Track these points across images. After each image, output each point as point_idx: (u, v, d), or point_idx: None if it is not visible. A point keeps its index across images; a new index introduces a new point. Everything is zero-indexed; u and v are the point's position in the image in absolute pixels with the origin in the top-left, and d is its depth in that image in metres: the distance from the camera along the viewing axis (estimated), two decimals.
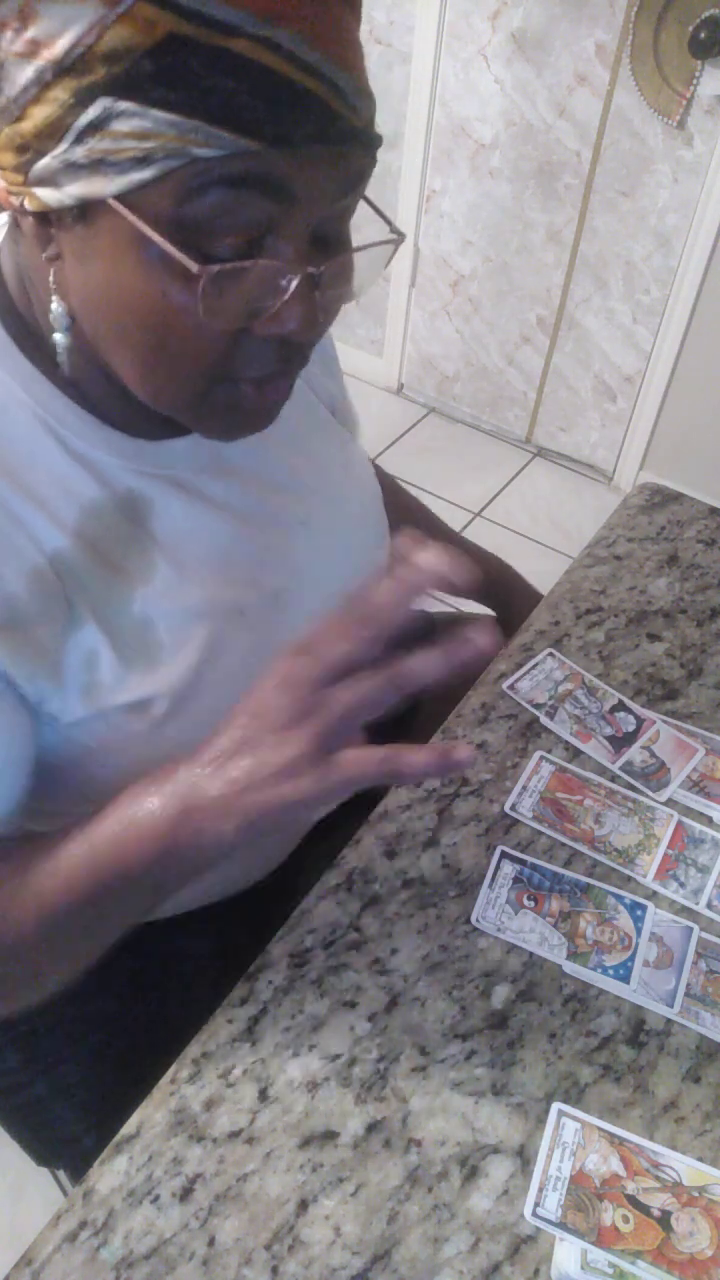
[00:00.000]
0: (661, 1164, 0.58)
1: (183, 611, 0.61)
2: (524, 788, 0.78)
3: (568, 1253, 0.54)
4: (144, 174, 0.44)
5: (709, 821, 0.78)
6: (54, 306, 0.51)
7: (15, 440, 0.55)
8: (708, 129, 2.01)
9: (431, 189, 2.46)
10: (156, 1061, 0.62)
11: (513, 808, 0.76)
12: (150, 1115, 0.59)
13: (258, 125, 0.43)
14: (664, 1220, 0.55)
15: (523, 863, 0.73)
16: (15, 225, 0.52)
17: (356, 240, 0.53)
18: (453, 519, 2.40)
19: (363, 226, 0.53)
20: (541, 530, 2.45)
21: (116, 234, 0.46)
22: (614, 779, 0.80)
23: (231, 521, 0.64)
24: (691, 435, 2.38)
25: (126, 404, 0.57)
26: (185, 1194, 0.56)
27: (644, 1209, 0.55)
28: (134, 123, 0.43)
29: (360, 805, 0.79)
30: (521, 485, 2.59)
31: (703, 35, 1.88)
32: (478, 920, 0.69)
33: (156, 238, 0.45)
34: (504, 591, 1.04)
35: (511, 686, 0.86)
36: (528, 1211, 0.56)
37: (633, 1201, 0.56)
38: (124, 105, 0.43)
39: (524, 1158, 0.59)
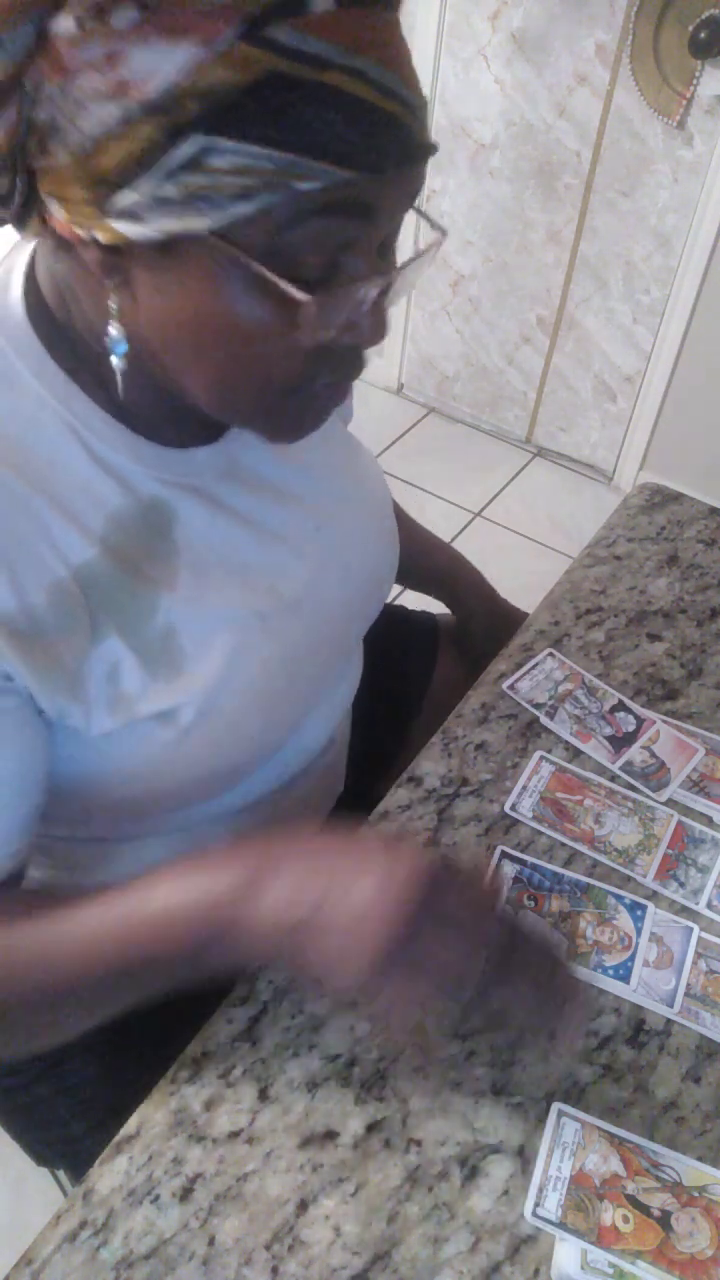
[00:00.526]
0: (661, 1164, 0.58)
1: (206, 619, 0.61)
2: (524, 788, 0.78)
3: (568, 1253, 0.54)
4: (243, 209, 0.45)
5: (709, 821, 0.78)
6: (112, 331, 0.51)
7: (44, 447, 0.55)
8: (708, 129, 2.01)
9: (431, 189, 2.46)
10: (157, 1061, 0.62)
11: (513, 808, 0.76)
12: (150, 1115, 0.59)
13: (352, 154, 0.45)
14: (664, 1220, 0.55)
15: (523, 863, 0.73)
16: (62, 246, 0.51)
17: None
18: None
19: None
20: (541, 530, 2.45)
21: (206, 264, 0.47)
22: (614, 779, 0.80)
23: (250, 530, 0.65)
24: (691, 435, 2.38)
25: (156, 411, 0.57)
26: (185, 1194, 0.56)
27: (644, 1209, 0.55)
28: (232, 159, 0.43)
29: (360, 805, 0.79)
30: (521, 485, 2.59)
31: (703, 35, 1.88)
32: None
33: (261, 270, 0.46)
34: (451, 581, 1.07)
35: (511, 686, 0.86)
36: (528, 1211, 0.56)
37: (633, 1201, 0.56)
38: (222, 142, 0.43)
39: (524, 1158, 0.59)
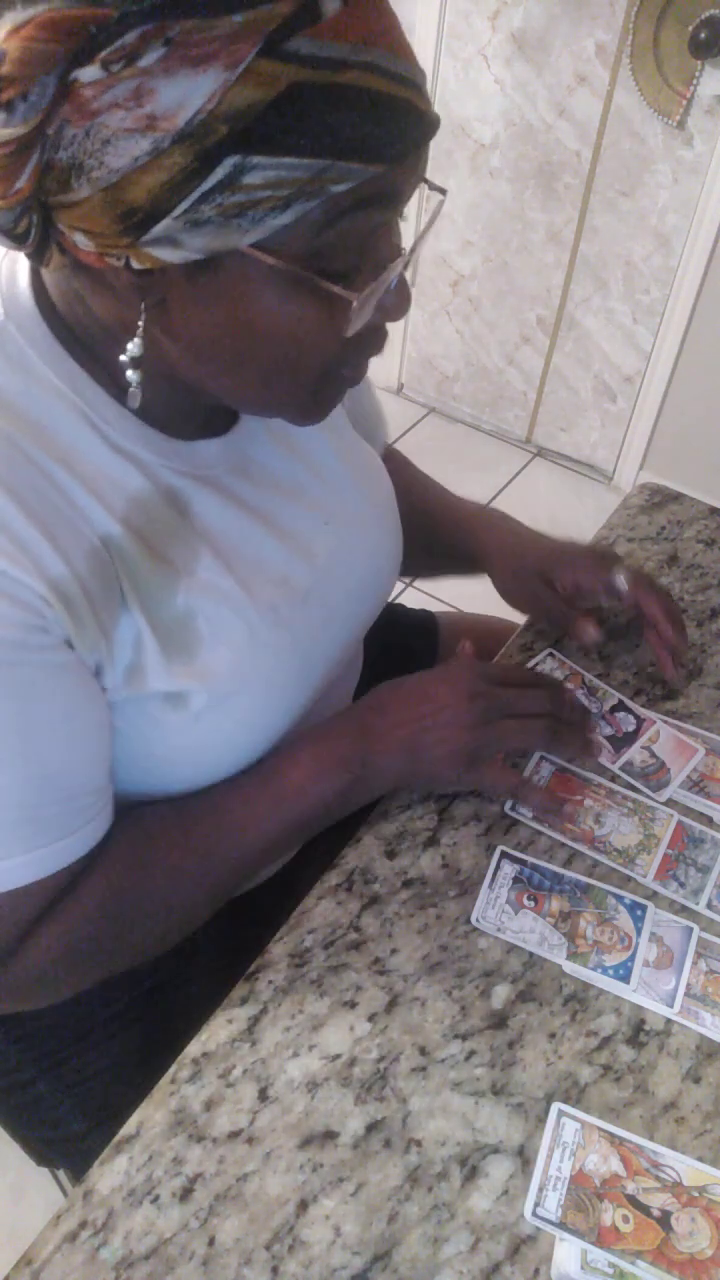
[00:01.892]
0: (661, 1164, 0.58)
1: (223, 606, 0.62)
2: None
3: (568, 1253, 0.54)
4: (281, 219, 0.46)
5: (709, 821, 0.78)
6: (131, 348, 0.52)
7: (63, 430, 0.56)
8: (708, 129, 2.01)
9: None
10: (158, 1061, 0.62)
11: (513, 808, 0.76)
12: (150, 1115, 0.59)
13: (378, 149, 0.46)
14: (664, 1220, 0.55)
15: (523, 863, 0.73)
16: (80, 268, 0.52)
17: None
18: None
19: None
20: (541, 530, 2.44)
21: (247, 275, 0.48)
22: (614, 779, 0.80)
23: (261, 523, 0.66)
24: (691, 435, 2.38)
25: (168, 405, 0.58)
26: (185, 1194, 0.56)
27: (644, 1209, 0.55)
28: (266, 174, 0.44)
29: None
30: (521, 485, 2.59)
31: (703, 35, 1.88)
32: (478, 920, 0.69)
33: (307, 274, 0.48)
34: (481, 558, 0.96)
35: None
36: (528, 1211, 0.56)
37: (633, 1201, 0.56)
38: (254, 159, 0.44)
39: (524, 1158, 0.59)
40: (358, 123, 0.44)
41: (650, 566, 1.01)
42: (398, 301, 0.54)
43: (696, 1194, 0.57)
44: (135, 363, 0.53)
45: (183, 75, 0.42)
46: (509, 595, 0.92)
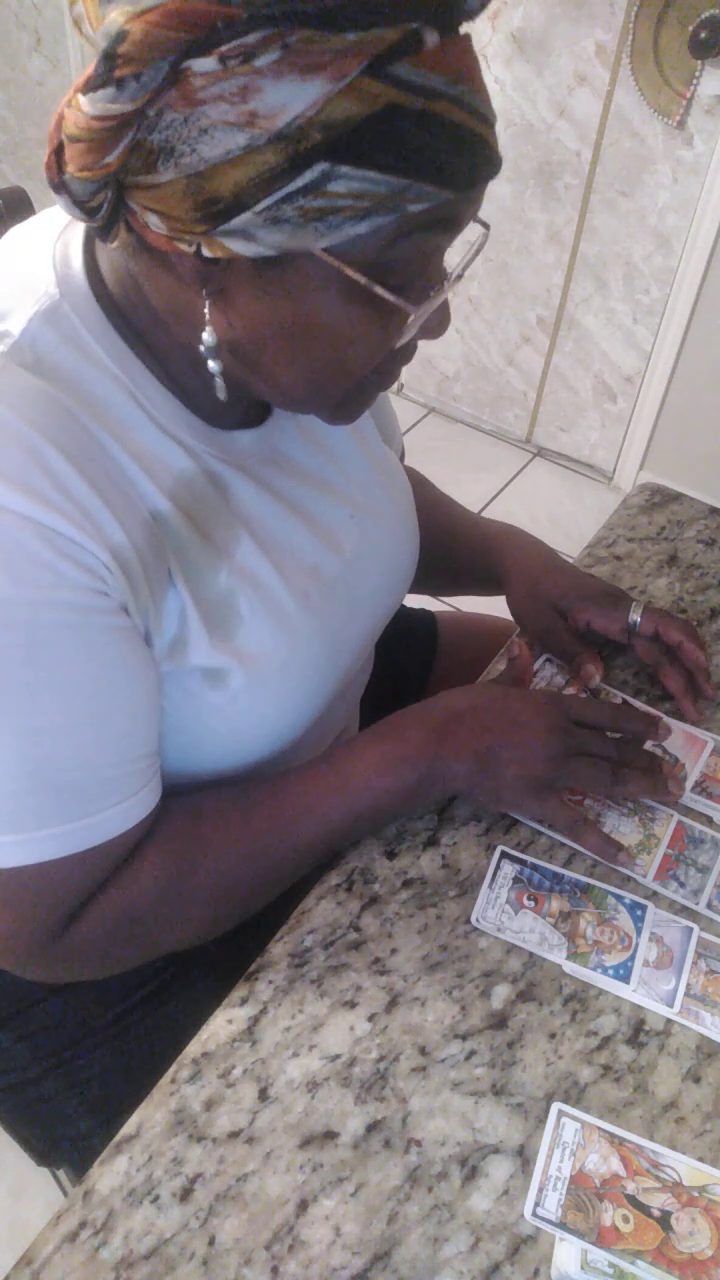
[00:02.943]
0: (662, 1164, 0.58)
1: (261, 590, 0.64)
2: None
3: (568, 1253, 0.54)
4: (358, 228, 0.48)
5: (709, 821, 0.78)
6: (206, 338, 0.54)
7: (114, 407, 0.57)
8: (708, 129, 2.01)
9: None
10: (160, 1061, 0.62)
11: None
12: (150, 1115, 0.59)
13: (455, 177, 0.49)
14: (664, 1220, 0.55)
15: (523, 863, 0.73)
16: (144, 250, 0.53)
17: None
18: None
19: None
20: (541, 530, 2.43)
21: (312, 277, 0.50)
22: None
23: (293, 512, 0.68)
24: (691, 435, 2.38)
25: (208, 394, 0.59)
26: (185, 1194, 0.56)
27: (644, 1209, 0.55)
28: (350, 184, 0.46)
29: None
30: (521, 485, 2.59)
31: (703, 35, 1.88)
32: (478, 920, 0.69)
33: (372, 285, 0.50)
34: (447, 539, 0.98)
35: None
36: (528, 1211, 0.56)
37: (633, 1201, 0.56)
38: (342, 168, 0.46)
39: (524, 1158, 0.59)
40: (441, 149, 0.47)
41: (650, 566, 1.01)
42: (440, 320, 0.57)
43: (696, 1194, 0.57)
44: (211, 352, 0.55)
45: (290, 80, 0.43)
46: (522, 619, 0.92)
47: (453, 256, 0.58)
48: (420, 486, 0.97)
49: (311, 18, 0.42)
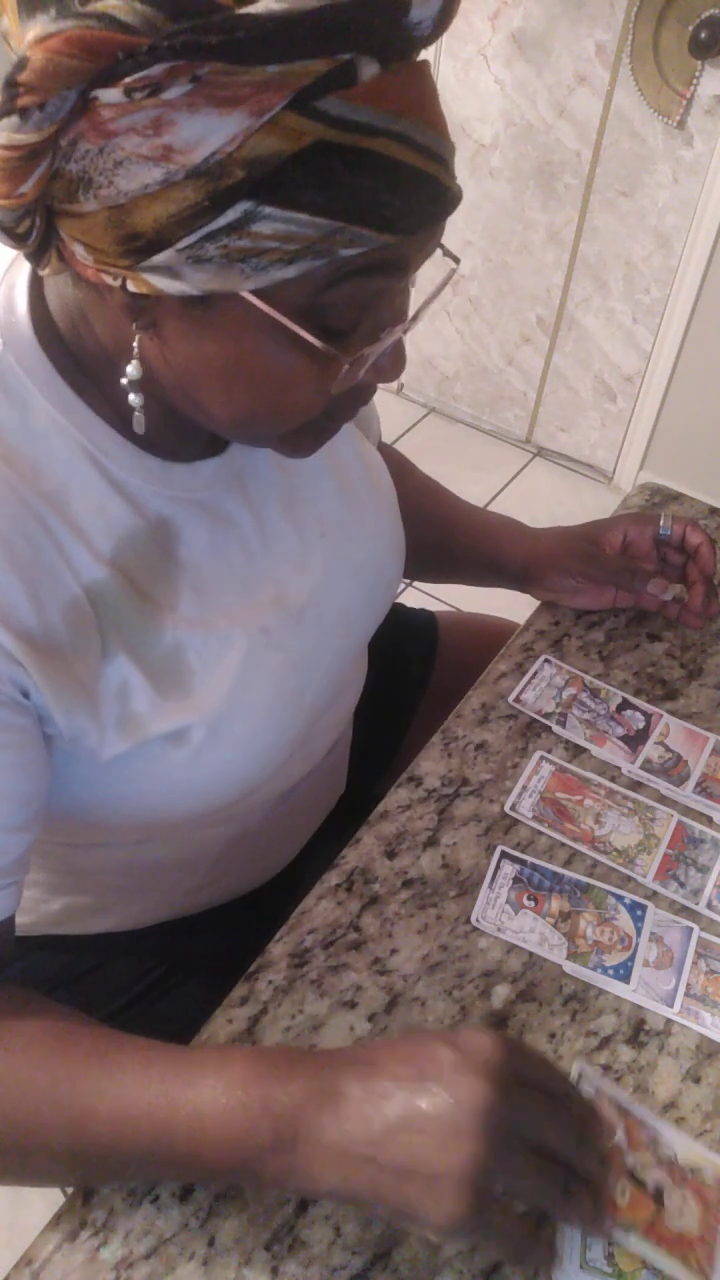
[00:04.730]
0: (662, 1141, 0.58)
1: (211, 638, 0.61)
2: (524, 788, 0.78)
3: (568, 1253, 0.54)
4: (286, 273, 0.45)
5: (709, 821, 0.78)
6: (130, 371, 0.51)
7: (57, 468, 0.55)
8: (708, 129, 2.01)
9: None
10: None
11: (513, 808, 0.76)
12: None
13: (394, 219, 0.45)
14: (657, 1196, 0.55)
15: (523, 863, 0.73)
16: (81, 279, 0.51)
17: None
18: None
19: None
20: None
21: (242, 319, 0.47)
22: (614, 779, 0.80)
23: (254, 540, 0.65)
24: (691, 435, 2.38)
25: (164, 429, 0.57)
26: (185, 1194, 0.56)
27: (640, 1184, 0.55)
28: (276, 225, 0.43)
29: (360, 805, 0.79)
30: (521, 485, 2.59)
31: (703, 35, 1.88)
32: (478, 920, 0.69)
33: (297, 329, 0.47)
34: (447, 527, 0.97)
35: (517, 699, 0.85)
36: None
37: (631, 1175, 0.56)
38: (267, 209, 0.43)
39: None
40: (377, 190, 0.44)
41: (650, 566, 1.01)
42: (392, 364, 0.54)
43: (690, 1174, 0.57)
44: (135, 386, 0.52)
45: (206, 114, 0.41)
46: (560, 563, 0.92)
47: (427, 280, 0.55)
48: (406, 472, 0.95)
49: (218, 50, 0.39)
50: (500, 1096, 0.47)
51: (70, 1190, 0.57)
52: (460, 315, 2.61)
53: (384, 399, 2.82)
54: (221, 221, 0.43)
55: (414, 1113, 0.47)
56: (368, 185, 0.43)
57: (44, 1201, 1.27)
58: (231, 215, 0.43)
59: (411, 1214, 0.47)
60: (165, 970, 0.80)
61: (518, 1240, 0.49)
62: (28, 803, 0.55)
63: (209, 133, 0.41)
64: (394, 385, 2.83)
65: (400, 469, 0.88)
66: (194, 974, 0.81)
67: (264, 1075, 0.50)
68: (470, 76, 2.25)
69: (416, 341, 2.73)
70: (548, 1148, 0.49)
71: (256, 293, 0.46)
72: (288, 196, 0.43)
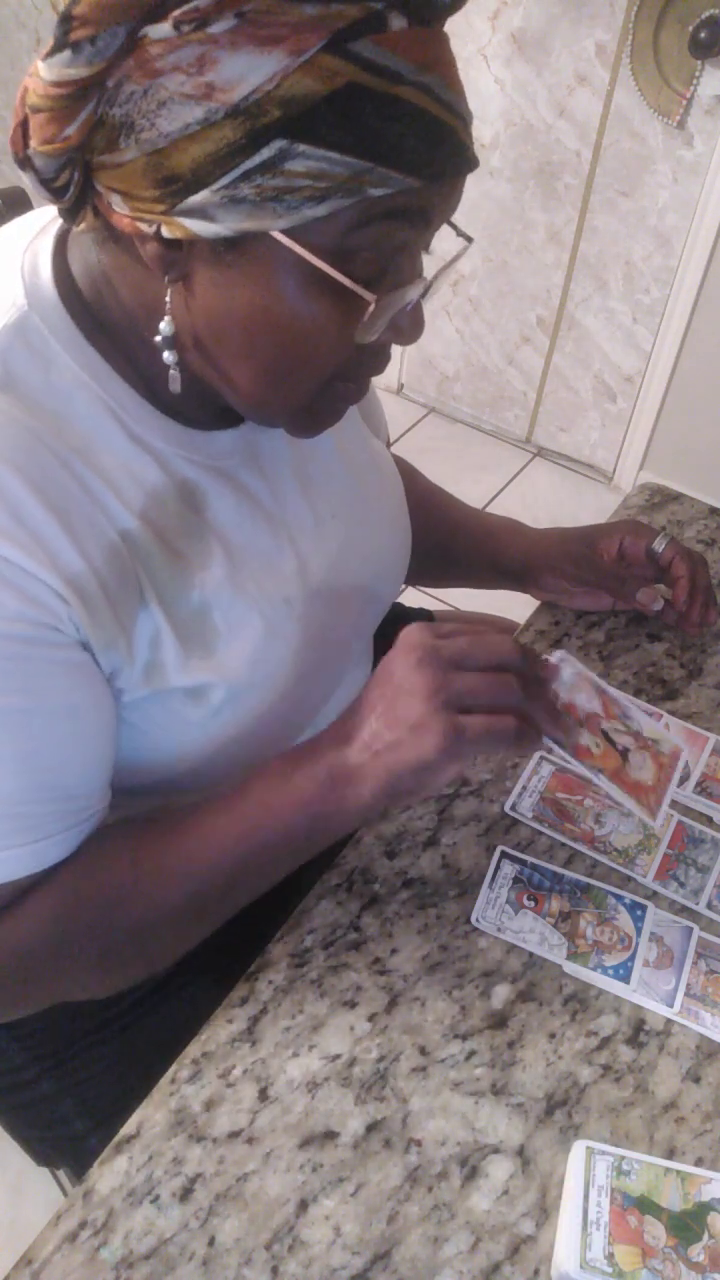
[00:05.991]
0: (630, 716, 0.69)
1: (238, 601, 0.63)
2: (524, 788, 0.78)
3: (568, 1253, 0.54)
4: (316, 210, 0.47)
5: (709, 821, 0.78)
6: (163, 327, 0.53)
7: (83, 423, 0.56)
8: (708, 129, 2.01)
9: None
10: (159, 1061, 0.62)
11: (513, 808, 0.76)
12: (150, 1115, 0.59)
13: (419, 164, 0.47)
14: (624, 754, 0.67)
15: (523, 863, 0.73)
16: (111, 238, 0.53)
17: None
18: None
19: None
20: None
21: (272, 262, 0.49)
22: None
23: (273, 516, 0.66)
24: (691, 435, 2.38)
25: (185, 395, 0.58)
26: (185, 1194, 0.56)
27: (611, 742, 0.67)
28: (309, 164, 0.45)
29: None
30: (521, 485, 2.59)
31: (703, 35, 1.88)
32: (478, 920, 0.69)
33: (329, 269, 0.49)
34: (450, 526, 0.99)
35: None
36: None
37: (605, 735, 0.67)
38: (301, 147, 0.45)
39: (524, 1158, 0.59)
40: (405, 134, 0.46)
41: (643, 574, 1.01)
42: (411, 325, 0.56)
43: (651, 743, 0.69)
44: (168, 342, 0.53)
45: (247, 51, 0.43)
46: (556, 563, 0.92)
47: (432, 267, 0.56)
48: (412, 478, 0.96)
49: None
50: (426, 646, 0.57)
51: (70, 1190, 0.57)
52: (460, 315, 2.61)
53: (384, 399, 2.81)
54: (257, 160, 0.45)
55: (377, 703, 0.58)
56: (396, 129, 0.46)
57: (44, 1201, 1.27)
58: (266, 153, 0.45)
59: (422, 768, 0.56)
60: (166, 971, 0.80)
61: (507, 731, 0.56)
62: (107, 728, 0.59)
63: (249, 71, 0.43)
64: (394, 385, 2.83)
65: (406, 476, 0.89)
66: (194, 974, 0.81)
67: (295, 760, 0.60)
68: (470, 76, 2.25)
69: (417, 341, 2.73)
70: (490, 664, 0.58)
71: (287, 233, 0.47)
72: (321, 135, 0.45)
